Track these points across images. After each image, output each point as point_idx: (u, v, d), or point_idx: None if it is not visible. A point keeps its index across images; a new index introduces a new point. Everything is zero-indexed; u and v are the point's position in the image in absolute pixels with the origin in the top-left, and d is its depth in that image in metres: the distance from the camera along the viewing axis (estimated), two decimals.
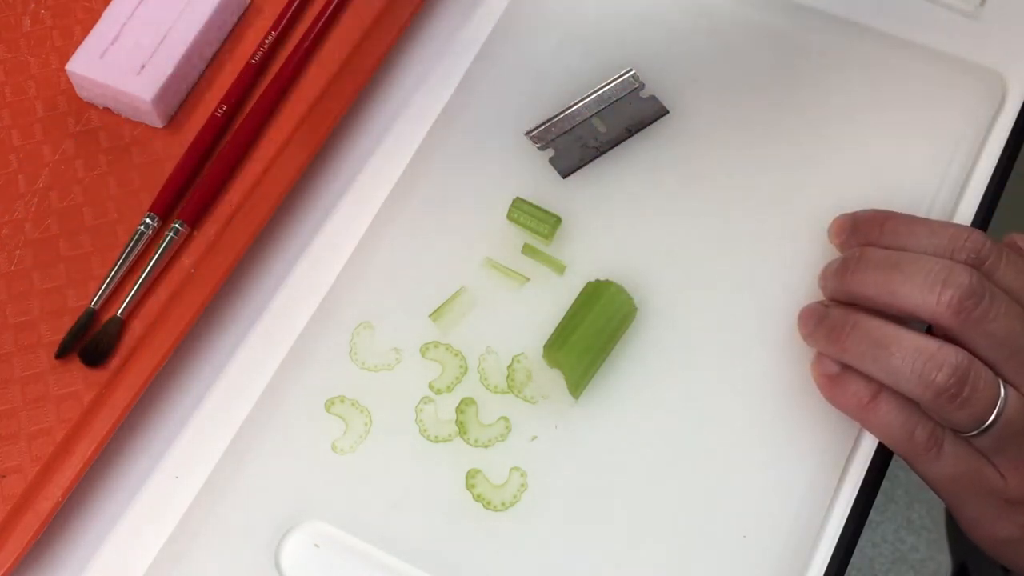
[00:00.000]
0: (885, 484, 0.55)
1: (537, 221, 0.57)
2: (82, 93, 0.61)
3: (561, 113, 0.60)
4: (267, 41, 0.63)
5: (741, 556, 0.51)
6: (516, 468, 0.53)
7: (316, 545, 0.52)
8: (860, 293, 0.51)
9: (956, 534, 0.92)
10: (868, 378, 0.50)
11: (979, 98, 0.60)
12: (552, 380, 0.55)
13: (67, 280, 0.57)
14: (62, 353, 0.55)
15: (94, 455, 0.53)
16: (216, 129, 0.60)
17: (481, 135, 0.60)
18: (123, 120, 0.61)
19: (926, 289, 0.48)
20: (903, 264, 0.49)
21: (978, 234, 0.50)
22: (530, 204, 0.58)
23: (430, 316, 0.56)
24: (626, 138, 0.60)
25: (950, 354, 0.48)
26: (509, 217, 0.58)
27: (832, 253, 0.55)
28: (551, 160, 0.60)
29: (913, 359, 0.48)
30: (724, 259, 0.57)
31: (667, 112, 0.60)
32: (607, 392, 0.54)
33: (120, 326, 0.56)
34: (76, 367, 0.55)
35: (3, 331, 0.56)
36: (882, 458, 0.53)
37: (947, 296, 0.48)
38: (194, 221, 0.58)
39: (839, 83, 0.61)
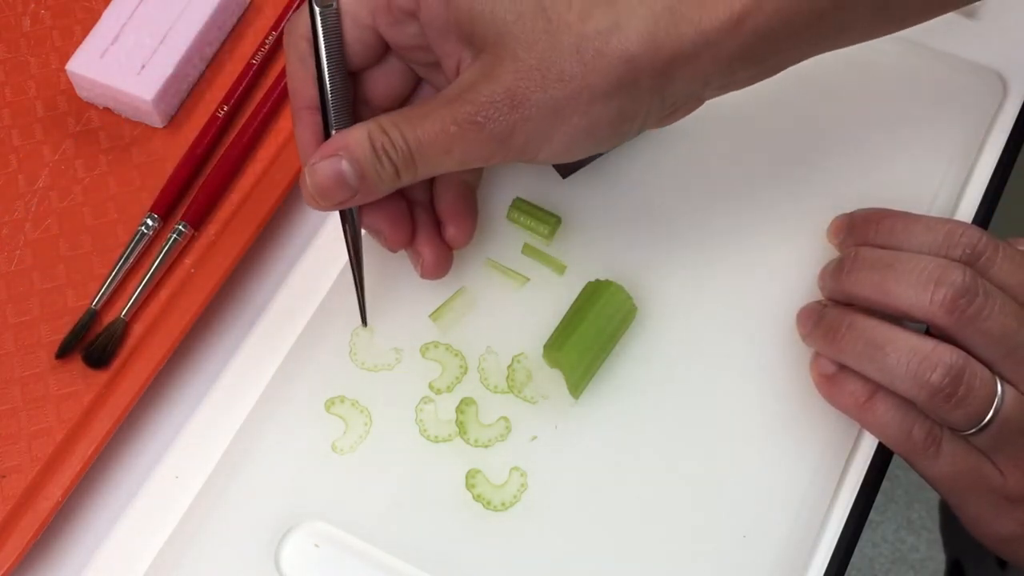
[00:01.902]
0: (885, 484, 0.55)
1: (537, 221, 0.57)
2: (82, 93, 0.61)
3: None
4: (267, 41, 0.63)
5: (741, 556, 0.51)
6: (516, 468, 0.53)
7: (316, 545, 0.52)
8: (856, 293, 0.51)
9: (950, 531, 0.93)
10: (865, 378, 0.50)
11: (979, 98, 0.60)
12: (552, 380, 0.55)
13: (67, 280, 0.57)
14: (62, 353, 0.55)
15: (94, 455, 0.53)
16: (216, 129, 0.60)
17: None
18: (123, 120, 0.61)
19: (919, 288, 0.48)
20: (897, 264, 0.50)
21: (974, 229, 0.50)
22: (530, 204, 0.58)
23: (430, 316, 0.56)
24: None
25: (945, 354, 0.48)
26: (509, 217, 0.58)
27: (831, 253, 0.55)
28: None
29: (908, 359, 0.48)
30: (724, 259, 0.57)
31: None
32: (607, 392, 0.54)
33: (124, 327, 0.56)
34: (76, 367, 0.55)
35: (3, 331, 0.56)
36: (882, 458, 0.53)
37: (940, 295, 0.48)
38: (197, 223, 0.58)
39: (839, 83, 0.61)
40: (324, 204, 0.48)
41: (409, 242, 0.53)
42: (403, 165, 0.47)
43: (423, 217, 0.53)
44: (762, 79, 0.49)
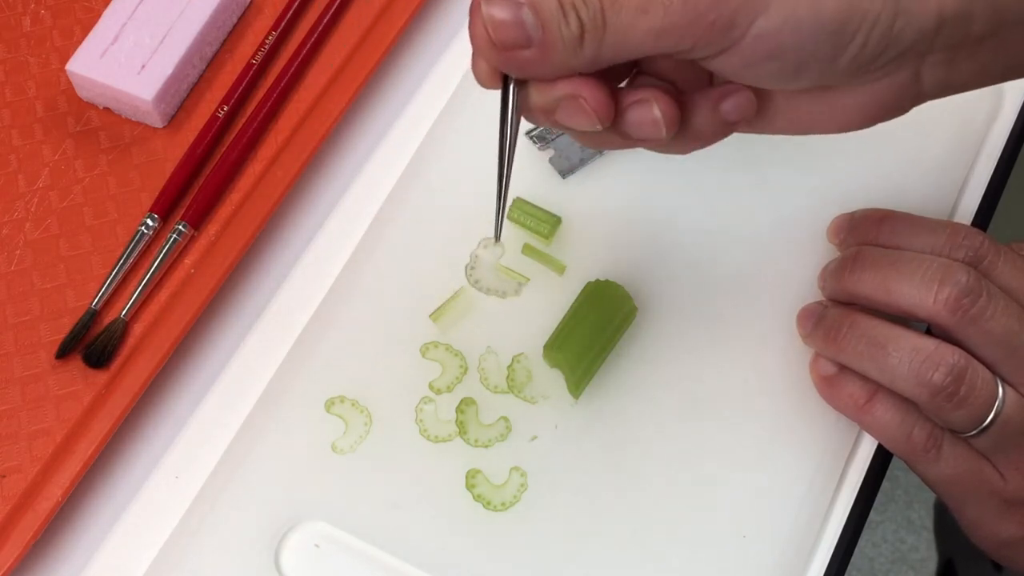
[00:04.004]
0: (885, 484, 0.55)
1: (537, 221, 0.57)
2: (82, 93, 0.61)
3: None
4: (267, 41, 0.63)
5: (741, 556, 0.51)
6: (516, 468, 0.53)
7: (316, 545, 0.52)
8: (857, 292, 0.51)
9: (944, 531, 0.93)
10: (865, 379, 0.50)
11: (978, 98, 0.60)
12: (552, 380, 0.55)
13: (67, 280, 0.57)
14: (62, 353, 0.55)
15: (94, 455, 0.53)
16: (216, 129, 0.60)
17: (481, 135, 0.60)
18: (123, 120, 0.61)
19: (923, 288, 0.48)
20: (900, 263, 0.50)
21: (976, 232, 0.50)
22: (530, 204, 0.58)
23: (430, 316, 0.56)
24: None
25: (947, 353, 0.48)
26: (509, 217, 0.58)
27: (832, 253, 0.55)
28: (551, 160, 0.60)
29: (910, 358, 0.48)
30: (724, 259, 0.57)
31: None
32: (607, 392, 0.54)
33: (124, 327, 0.56)
34: (76, 367, 0.55)
35: (3, 331, 0.56)
36: (882, 458, 0.53)
37: (944, 294, 0.48)
38: (197, 222, 0.58)
39: None
40: (496, 43, 0.41)
41: (613, 111, 0.43)
42: (591, 24, 0.40)
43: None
44: (980, 79, 0.44)
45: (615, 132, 0.43)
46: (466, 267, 0.50)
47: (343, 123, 0.62)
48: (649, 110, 0.43)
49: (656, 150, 0.45)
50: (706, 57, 0.41)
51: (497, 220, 0.47)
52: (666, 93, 0.43)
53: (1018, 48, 0.43)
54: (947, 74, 0.43)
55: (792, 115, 0.45)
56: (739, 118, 0.44)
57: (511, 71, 0.42)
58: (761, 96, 0.44)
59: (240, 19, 0.64)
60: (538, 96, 0.43)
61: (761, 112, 0.45)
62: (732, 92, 0.44)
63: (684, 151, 0.45)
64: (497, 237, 0.47)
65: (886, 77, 0.43)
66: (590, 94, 0.42)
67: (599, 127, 0.42)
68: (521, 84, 0.43)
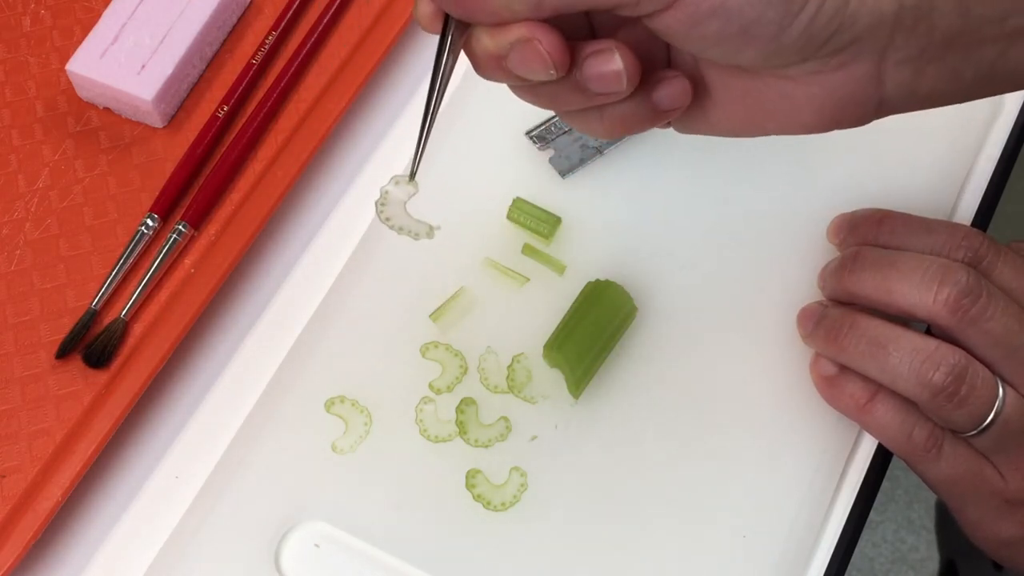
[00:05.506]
0: (885, 484, 0.55)
1: (537, 221, 0.57)
2: (82, 93, 0.61)
3: None
4: (267, 41, 0.63)
5: (741, 556, 0.51)
6: (516, 468, 0.53)
7: (316, 545, 0.52)
8: (858, 292, 0.51)
9: (945, 531, 0.93)
10: (866, 379, 0.50)
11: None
12: (552, 380, 0.55)
13: (67, 280, 0.57)
14: (62, 353, 0.55)
15: (94, 455, 0.53)
16: (216, 129, 0.60)
17: (481, 135, 0.60)
18: (123, 120, 0.61)
19: (923, 287, 0.48)
20: (900, 263, 0.50)
21: (976, 233, 0.50)
22: (530, 204, 0.58)
23: (430, 316, 0.56)
24: (626, 137, 0.60)
25: (948, 353, 0.48)
26: (509, 217, 0.58)
27: (832, 253, 0.55)
28: (551, 160, 0.60)
29: (911, 358, 0.48)
30: (724, 259, 0.57)
31: None
32: (607, 392, 0.54)
33: (124, 327, 0.56)
34: (76, 367, 0.55)
35: (3, 331, 0.56)
36: (882, 458, 0.53)
37: (944, 294, 0.48)
38: (197, 222, 0.58)
39: None
40: None
41: (569, 58, 0.40)
42: None
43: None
44: (949, 88, 0.42)
45: (571, 87, 0.41)
46: (376, 203, 0.47)
47: (343, 123, 0.62)
48: (610, 60, 0.40)
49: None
50: (652, 13, 0.39)
51: (415, 158, 0.44)
52: (628, 46, 0.40)
53: (988, 53, 0.41)
54: (913, 78, 0.41)
55: (744, 107, 0.43)
56: (671, 107, 0.42)
57: (452, 11, 0.40)
58: (714, 83, 0.43)
59: (240, 19, 0.64)
60: (490, 40, 0.40)
61: (712, 101, 0.43)
62: (666, 79, 0.42)
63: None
64: (412, 175, 0.45)
65: (842, 69, 0.41)
66: (545, 38, 0.39)
67: (553, 73, 0.40)
68: (464, 28, 0.41)
